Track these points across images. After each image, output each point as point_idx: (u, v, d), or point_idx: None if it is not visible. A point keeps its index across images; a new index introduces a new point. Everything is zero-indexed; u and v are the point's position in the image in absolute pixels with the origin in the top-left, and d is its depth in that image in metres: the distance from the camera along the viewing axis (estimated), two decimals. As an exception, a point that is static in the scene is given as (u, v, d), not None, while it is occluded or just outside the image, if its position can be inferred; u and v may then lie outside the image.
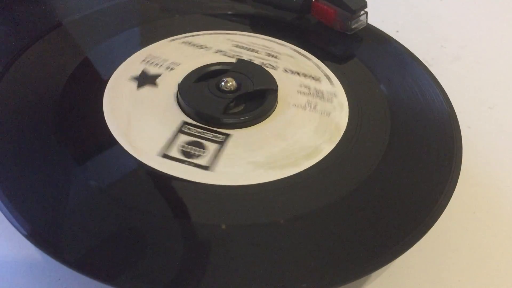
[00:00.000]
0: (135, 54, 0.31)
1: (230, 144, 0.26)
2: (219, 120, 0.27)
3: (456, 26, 0.43)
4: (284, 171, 0.25)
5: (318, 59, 0.32)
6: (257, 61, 0.31)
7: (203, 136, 0.26)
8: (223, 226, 0.23)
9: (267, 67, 0.30)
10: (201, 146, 0.26)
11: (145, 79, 0.29)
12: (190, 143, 0.26)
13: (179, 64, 0.30)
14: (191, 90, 0.28)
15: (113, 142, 0.25)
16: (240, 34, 0.33)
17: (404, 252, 0.23)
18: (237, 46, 0.32)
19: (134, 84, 0.29)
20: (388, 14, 0.43)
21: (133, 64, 0.30)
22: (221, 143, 0.26)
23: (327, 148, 0.26)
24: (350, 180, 0.25)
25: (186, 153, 0.25)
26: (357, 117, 0.28)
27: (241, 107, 0.28)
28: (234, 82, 0.28)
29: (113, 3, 0.35)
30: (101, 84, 0.28)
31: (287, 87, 0.29)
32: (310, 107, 0.28)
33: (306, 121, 0.28)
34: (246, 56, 0.31)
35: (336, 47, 0.34)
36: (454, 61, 0.39)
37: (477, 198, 0.29)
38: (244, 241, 0.22)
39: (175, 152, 0.25)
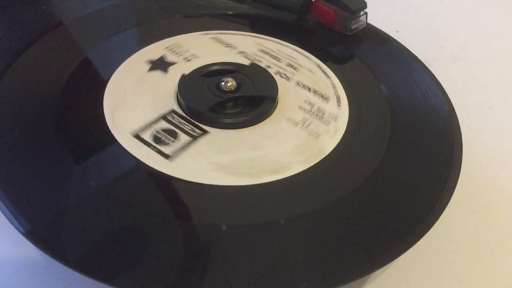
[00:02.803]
0: (162, 40, 0.32)
1: (202, 141, 0.26)
2: (202, 115, 0.27)
3: (456, 26, 0.43)
4: (241, 179, 0.24)
5: (319, 59, 0.32)
6: (273, 69, 0.30)
7: (181, 127, 0.26)
8: (224, 227, 0.23)
9: (281, 76, 0.30)
10: (174, 135, 0.26)
11: (159, 65, 0.30)
12: (165, 130, 0.26)
13: (197, 57, 0.30)
14: (192, 83, 0.28)
15: (113, 141, 0.25)
16: (270, 40, 0.33)
17: (404, 252, 0.23)
18: (262, 51, 0.32)
19: (146, 67, 0.29)
20: (388, 14, 0.43)
21: (155, 49, 0.31)
22: (195, 138, 0.26)
23: (296, 168, 0.25)
24: (350, 179, 0.25)
25: (156, 139, 0.26)
26: (357, 117, 0.28)
27: (238, 109, 0.28)
28: (234, 83, 0.28)
29: (113, 3, 0.35)
30: (102, 84, 0.28)
31: (291, 100, 0.29)
32: (303, 124, 0.27)
33: (291, 137, 0.27)
34: (266, 62, 0.31)
35: (336, 47, 0.34)
36: (454, 61, 0.39)
37: (477, 198, 0.29)
38: (244, 241, 0.22)
39: (147, 136, 0.26)
